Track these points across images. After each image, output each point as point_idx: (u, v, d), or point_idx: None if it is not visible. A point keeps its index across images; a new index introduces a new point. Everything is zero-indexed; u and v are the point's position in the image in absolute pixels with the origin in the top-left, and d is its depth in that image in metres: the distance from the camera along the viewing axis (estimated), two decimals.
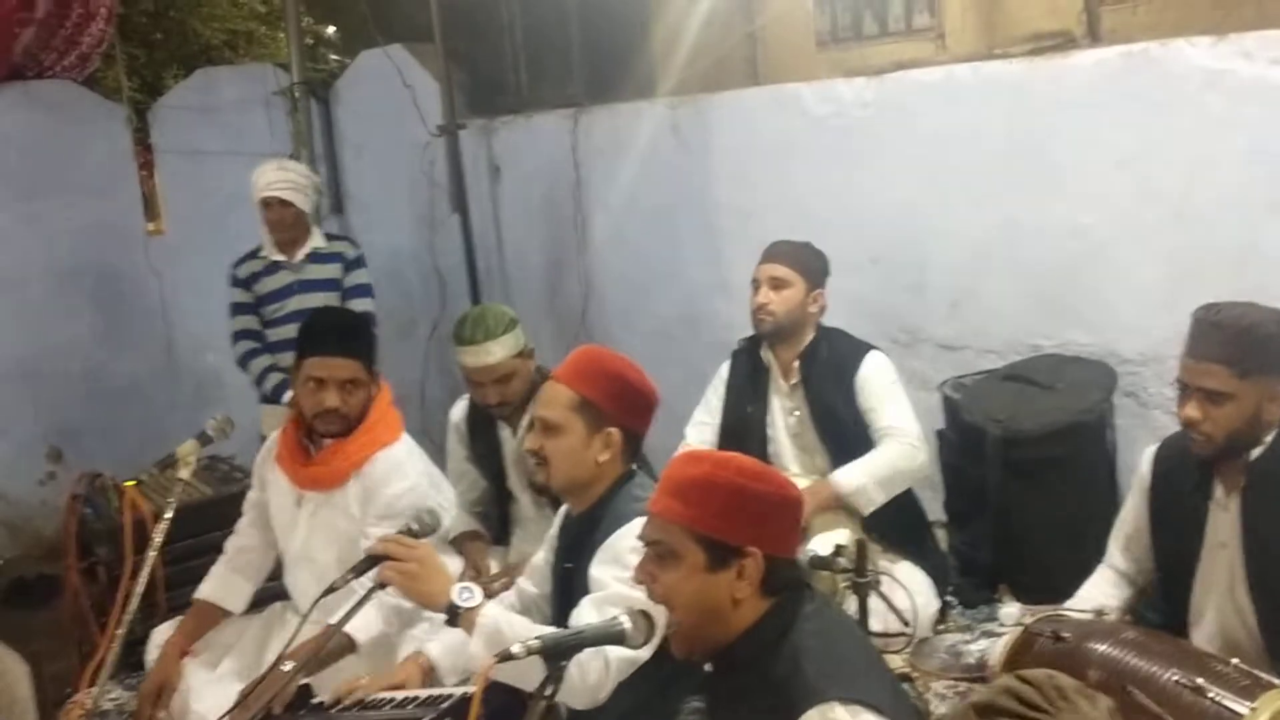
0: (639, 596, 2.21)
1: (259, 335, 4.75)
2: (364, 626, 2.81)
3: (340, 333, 3.11)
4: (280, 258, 4.72)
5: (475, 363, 3.45)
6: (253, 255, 4.80)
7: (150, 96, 7.13)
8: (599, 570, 2.41)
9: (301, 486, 3.10)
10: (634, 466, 2.59)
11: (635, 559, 2.30)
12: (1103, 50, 3.52)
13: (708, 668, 1.99)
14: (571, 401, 2.52)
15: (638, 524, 2.39)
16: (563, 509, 2.74)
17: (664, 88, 5.09)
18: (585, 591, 2.43)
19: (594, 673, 2.29)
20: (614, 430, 2.51)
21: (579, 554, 2.52)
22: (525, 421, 3.56)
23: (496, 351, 3.43)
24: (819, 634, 1.87)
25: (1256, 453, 2.44)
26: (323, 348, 3.02)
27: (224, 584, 3.20)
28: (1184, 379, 2.47)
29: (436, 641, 2.75)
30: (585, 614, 2.33)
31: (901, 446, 3.24)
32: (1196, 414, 2.43)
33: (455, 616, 2.31)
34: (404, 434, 3.16)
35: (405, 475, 3.06)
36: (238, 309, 4.79)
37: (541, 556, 2.80)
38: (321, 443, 3.08)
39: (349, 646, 2.81)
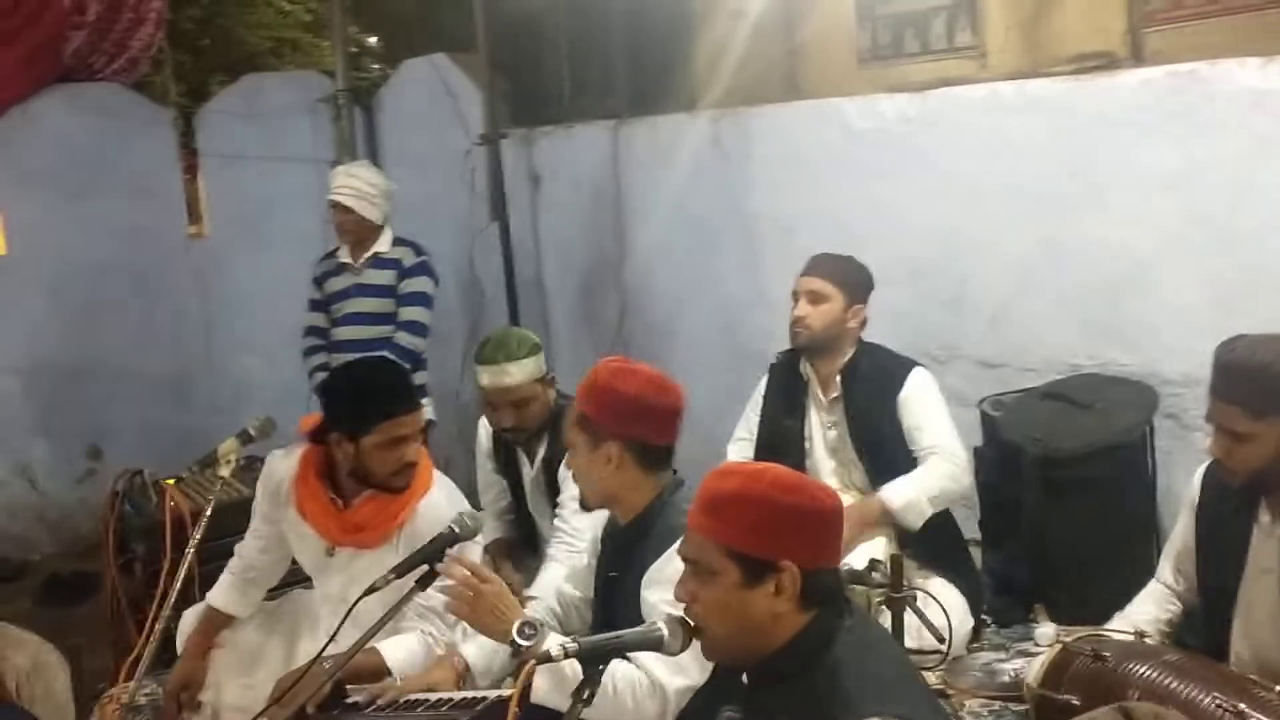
0: None
1: (324, 333, 4.86)
2: (405, 658, 2.78)
3: (406, 387, 2.96)
4: (348, 260, 4.78)
5: (492, 383, 3.46)
6: (329, 255, 4.90)
7: (196, 102, 7.20)
8: (651, 594, 2.39)
9: (336, 541, 2.94)
10: (676, 475, 2.58)
11: None
12: (1149, 69, 3.50)
13: (745, 679, 1.97)
14: (576, 418, 2.56)
15: None
16: (606, 514, 2.74)
17: (705, 102, 5.10)
18: (628, 601, 2.42)
19: (653, 709, 2.30)
20: (613, 443, 2.50)
21: (625, 565, 2.53)
22: (542, 451, 3.58)
23: (515, 373, 3.44)
24: (858, 647, 1.84)
25: None
26: (404, 404, 2.86)
27: (237, 593, 3.13)
28: (1209, 415, 2.47)
29: (472, 643, 2.75)
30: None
31: (949, 466, 3.23)
32: (1220, 451, 2.44)
33: (518, 651, 2.27)
34: (436, 473, 3.02)
35: (438, 510, 2.87)
36: (311, 305, 4.90)
37: (585, 560, 2.81)
38: (351, 496, 2.91)
39: (382, 669, 2.76)
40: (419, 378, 4.79)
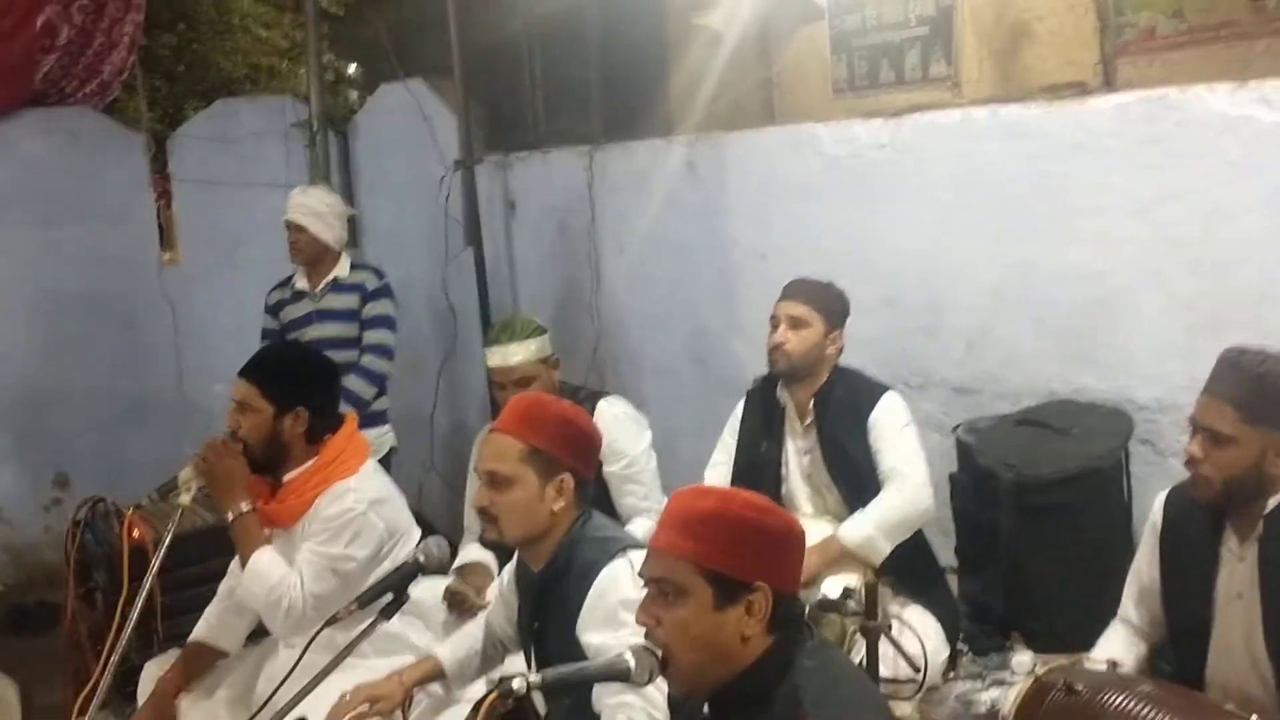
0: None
1: None
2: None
3: (255, 358, 3.14)
4: (304, 286, 4.74)
5: (496, 363, 3.51)
6: (283, 284, 4.84)
7: (171, 128, 7.18)
8: (598, 638, 2.34)
9: (267, 524, 3.04)
10: (586, 510, 2.54)
11: (627, 614, 2.24)
12: (1122, 95, 3.50)
13: (706, 709, 1.93)
14: (521, 453, 2.46)
15: (617, 577, 2.37)
16: (512, 568, 2.68)
17: (680, 128, 5.09)
18: (560, 650, 2.36)
19: None
20: (567, 476, 2.46)
21: (547, 612, 2.47)
22: None
23: (518, 353, 3.49)
24: (819, 672, 1.82)
25: (1274, 502, 2.39)
26: (242, 371, 3.06)
27: (218, 625, 3.16)
28: (1194, 415, 2.43)
29: (446, 644, 2.71)
30: (603, 694, 2.27)
31: (905, 492, 3.19)
32: (1198, 452, 2.40)
33: None
34: (365, 465, 3.08)
35: (351, 502, 2.96)
36: (264, 335, 4.84)
37: (502, 609, 2.77)
38: (281, 481, 3.04)
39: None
40: (380, 403, 4.75)
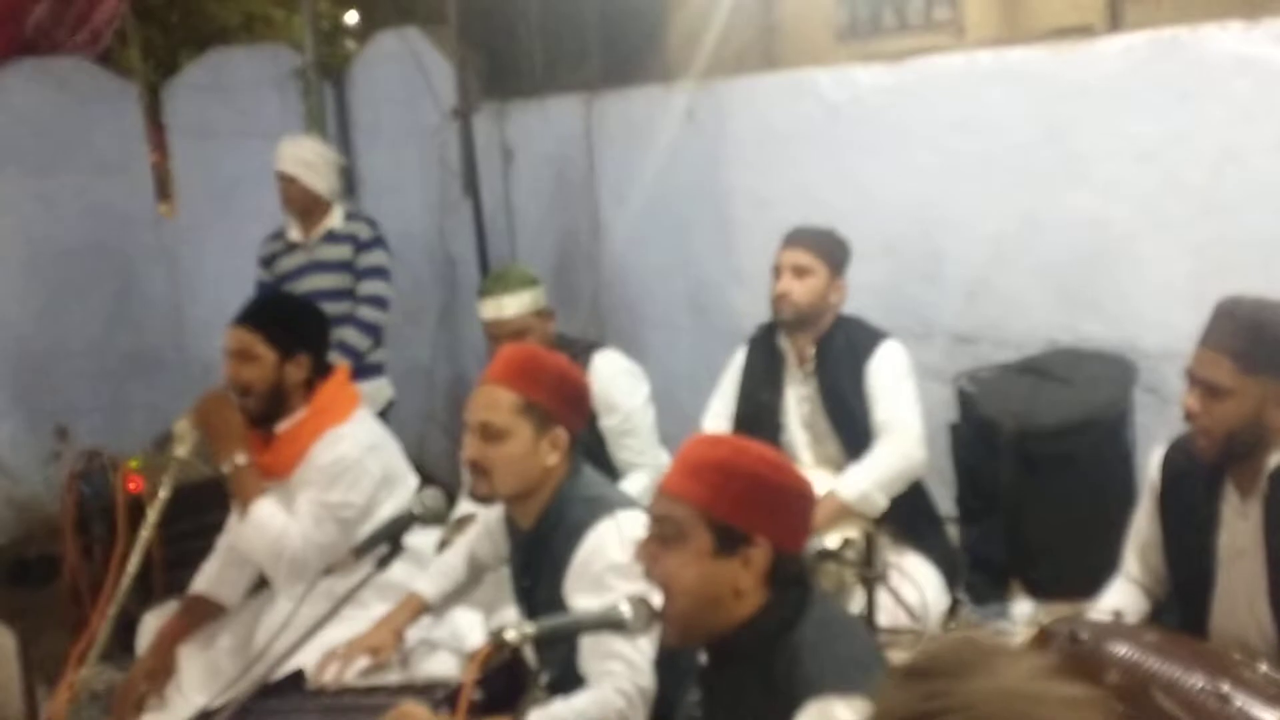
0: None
1: None
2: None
3: (251, 306, 3.11)
4: (297, 237, 4.70)
5: (490, 315, 3.50)
6: (276, 235, 4.80)
7: (165, 78, 7.08)
8: (584, 601, 2.31)
9: (265, 476, 3.02)
10: (576, 466, 2.51)
11: (615, 579, 2.26)
12: (1130, 36, 3.43)
13: (703, 660, 1.92)
14: (515, 405, 2.41)
15: (604, 541, 2.34)
16: (500, 513, 2.65)
17: (680, 74, 5.02)
18: (552, 610, 2.33)
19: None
20: (561, 431, 2.43)
21: (538, 571, 2.45)
22: None
23: (511, 305, 3.47)
24: (820, 628, 1.81)
25: (1277, 459, 2.34)
26: (237, 319, 3.02)
27: (218, 579, 3.15)
28: (1190, 368, 2.38)
29: (425, 578, 2.69)
30: (590, 659, 2.26)
31: (899, 446, 3.19)
32: (1196, 406, 2.35)
33: None
34: (357, 412, 3.07)
35: (346, 448, 2.96)
36: (258, 288, 4.78)
37: (489, 544, 2.75)
38: (275, 433, 3.02)
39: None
40: (378, 355, 4.73)
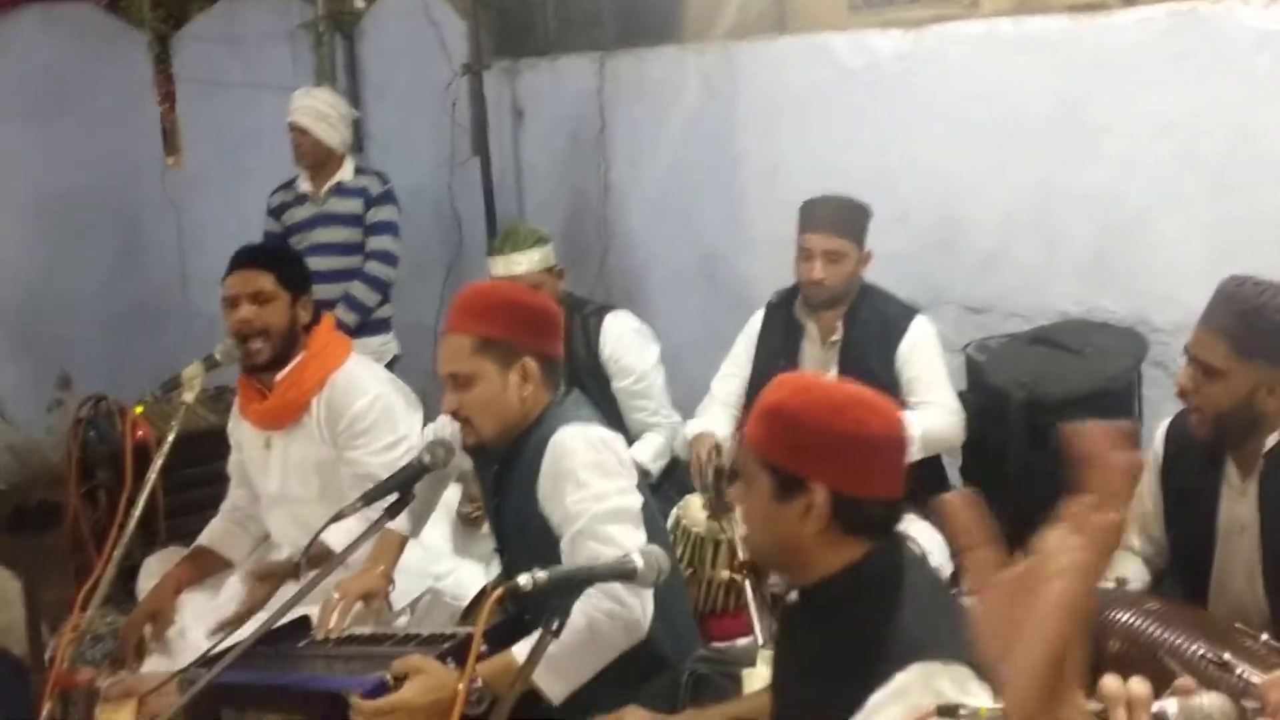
0: (622, 504, 2.20)
1: None
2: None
3: (252, 251, 3.10)
4: (307, 189, 4.68)
5: (500, 272, 3.48)
6: (286, 186, 4.78)
7: (175, 28, 7.03)
8: (559, 508, 2.30)
9: (265, 427, 3.03)
10: (561, 390, 2.47)
11: (589, 474, 2.27)
12: (1149, 8, 3.41)
13: (792, 597, 1.91)
14: (473, 346, 2.38)
15: (571, 444, 2.32)
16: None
17: (693, 36, 4.98)
18: (516, 523, 2.35)
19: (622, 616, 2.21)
20: (528, 359, 2.38)
21: (508, 487, 2.43)
22: None
23: (521, 262, 3.45)
24: (918, 587, 1.77)
25: (1274, 439, 2.35)
26: (235, 263, 2.99)
27: (224, 535, 3.16)
28: (1188, 345, 2.39)
29: (400, 517, 2.63)
30: (582, 552, 2.24)
31: (950, 417, 3.21)
32: (1188, 383, 2.35)
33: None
34: (354, 353, 3.09)
35: (365, 389, 2.97)
36: (265, 238, 4.76)
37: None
38: (273, 381, 3.00)
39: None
40: (384, 310, 4.72)
